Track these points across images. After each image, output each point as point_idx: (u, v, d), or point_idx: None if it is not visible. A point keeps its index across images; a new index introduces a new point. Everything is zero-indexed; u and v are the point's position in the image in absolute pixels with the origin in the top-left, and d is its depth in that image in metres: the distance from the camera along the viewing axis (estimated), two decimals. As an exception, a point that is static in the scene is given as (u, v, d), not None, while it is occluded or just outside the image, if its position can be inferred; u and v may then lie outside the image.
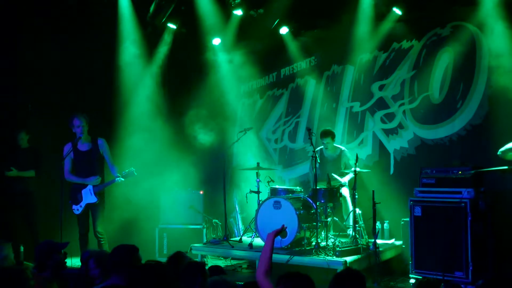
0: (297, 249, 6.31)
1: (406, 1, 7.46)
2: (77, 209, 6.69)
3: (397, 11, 7.55)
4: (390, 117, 7.79)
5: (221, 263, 7.68)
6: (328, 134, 7.37)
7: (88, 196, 6.65)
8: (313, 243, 6.24)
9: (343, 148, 7.56)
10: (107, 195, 7.10)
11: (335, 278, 3.05)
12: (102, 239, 6.69)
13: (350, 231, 6.85)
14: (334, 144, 7.52)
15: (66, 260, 4.38)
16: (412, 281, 6.01)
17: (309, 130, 6.69)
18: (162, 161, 8.51)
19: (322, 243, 6.30)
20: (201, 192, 8.51)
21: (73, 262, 6.18)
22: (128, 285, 3.25)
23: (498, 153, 5.63)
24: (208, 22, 8.43)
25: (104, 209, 6.85)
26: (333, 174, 7.08)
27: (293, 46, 8.76)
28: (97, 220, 6.71)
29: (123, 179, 6.73)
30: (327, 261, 5.72)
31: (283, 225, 4.12)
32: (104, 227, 6.79)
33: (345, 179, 7.17)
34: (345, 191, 7.12)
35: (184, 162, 8.74)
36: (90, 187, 6.64)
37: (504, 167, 5.53)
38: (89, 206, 6.68)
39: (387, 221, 7.30)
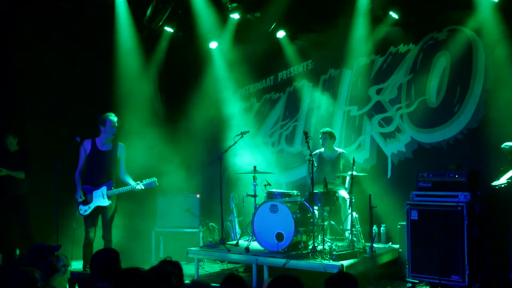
0: (293, 252, 6.28)
1: (402, 5, 7.47)
2: (85, 210, 6.55)
3: (393, 15, 7.54)
4: (387, 121, 7.79)
5: (218, 266, 7.67)
6: (326, 132, 7.49)
7: (100, 199, 6.52)
8: (310, 247, 6.22)
9: (342, 150, 7.60)
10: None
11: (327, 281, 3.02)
12: (109, 246, 6.55)
13: (347, 235, 6.84)
14: (333, 146, 7.55)
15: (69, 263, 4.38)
16: (409, 285, 6.01)
17: (306, 134, 6.69)
18: (158, 165, 8.48)
19: (318, 247, 6.30)
20: (198, 196, 8.50)
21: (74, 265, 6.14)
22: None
23: (502, 146, 5.62)
24: (205, 26, 8.41)
25: (116, 214, 6.79)
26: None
27: (290, 50, 8.76)
28: (109, 226, 6.61)
29: (142, 187, 6.62)
30: (324, 265, 5.70)
31: None
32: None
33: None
34: (345, 194, 7.13)
35: (180, 166, 8.71)
36: (103, 189, 6.53)
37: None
38: (99, 209, 6.57)
39: (384, 225, 7.29)
